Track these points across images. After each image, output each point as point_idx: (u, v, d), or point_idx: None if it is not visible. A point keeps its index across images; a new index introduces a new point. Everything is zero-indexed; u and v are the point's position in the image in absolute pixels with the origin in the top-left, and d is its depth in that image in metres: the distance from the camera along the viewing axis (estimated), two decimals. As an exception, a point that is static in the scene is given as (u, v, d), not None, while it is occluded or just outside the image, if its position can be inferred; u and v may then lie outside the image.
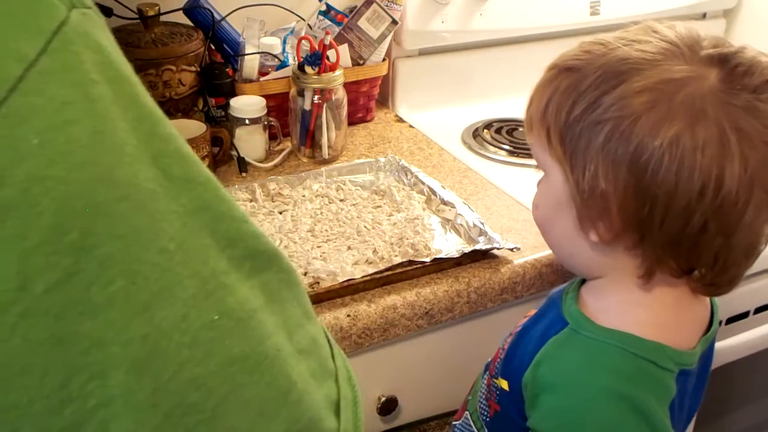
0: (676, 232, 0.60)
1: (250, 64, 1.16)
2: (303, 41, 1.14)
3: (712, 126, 0.58)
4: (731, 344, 1.15)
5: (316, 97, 1.12)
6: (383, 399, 0.91)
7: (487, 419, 0.76)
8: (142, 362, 0.29)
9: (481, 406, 0.77)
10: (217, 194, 0.34)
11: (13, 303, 0.27)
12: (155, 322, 0.30)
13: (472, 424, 0.78)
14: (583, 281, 0.72)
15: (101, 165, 0.29)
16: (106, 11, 1.13)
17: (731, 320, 1.16)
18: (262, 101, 1.14)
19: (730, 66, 0.60)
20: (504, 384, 0.72)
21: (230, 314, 0.33)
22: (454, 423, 0.83)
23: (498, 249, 0.91)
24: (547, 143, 0.65)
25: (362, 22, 1.22)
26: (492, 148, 1.25)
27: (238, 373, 0.33)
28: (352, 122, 1.26)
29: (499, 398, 0.73)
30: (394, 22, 1.23)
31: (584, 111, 0.61)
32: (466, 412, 0.80)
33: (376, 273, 0.86)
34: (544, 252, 0.93)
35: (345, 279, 0.85)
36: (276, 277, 0.36)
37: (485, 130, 1.31)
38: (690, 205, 0.58)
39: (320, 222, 0.98)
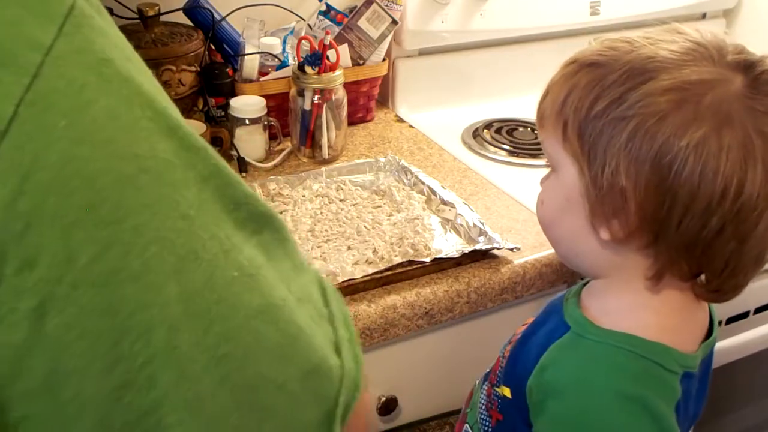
0: (693, 234, 0.60)
1: (250, 64, 1.16)
2: (303, 41, 1.14)
3: (738, 130, 0.58)
4: (731, 344, 1.15)
5: (316, 97, 1.12)
6: (383, 399, 0.91)
7: (489, 429, 0.75)
8: (179, 320, 0.32)
9: (482, 416, 0.76)
10: (220, 161, 0.36)
11: (64, 275, 0.29)
12: (187, 283, 0.32)
13: None
14: (583, 287, 0.72)
15: (121, 140, 0.31)
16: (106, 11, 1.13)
17: (731, 320, 1.16)
18: (262, 101, 1.14)
19: (755, 73, 0.60)
20: (507, 392, 0.71)
21: (245, 270, 0.35)
22: None
23: (498, 249, 0.91)
24: (563, 138, 0.64)
25: (362, 22, 1.22)
26: (492, 148, 1.25)
27: (261, 324, 0.35)
28: (352, 122, 1.26)
29: (501, 407, 0.72)
30: (394, 22, 1.23)
31: (607, 106, 0.61)
32: (466, 425, 0.79)
33: (376, 273, 0.86)
34: (544, 252, 0.93)
35: (345, 279, 0.85)
36: (271, 237, 0.39)
37: (485, 130, 1.31)
38: (710, 207, 0.58)
39: (320, 222, 0.98)
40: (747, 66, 0.61)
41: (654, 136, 0.58)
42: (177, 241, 0.32)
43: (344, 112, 1.17)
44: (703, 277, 0.64)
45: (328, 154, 1.16)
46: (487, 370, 0.78)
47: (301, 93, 1.13)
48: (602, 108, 0.61)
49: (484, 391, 0.76)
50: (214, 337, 0.33)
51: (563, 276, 0.95)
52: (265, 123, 1.15)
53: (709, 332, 0.70)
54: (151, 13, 1.12)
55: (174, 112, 0.35)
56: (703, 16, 1.61)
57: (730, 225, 0.59)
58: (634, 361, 0.63)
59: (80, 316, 0.30)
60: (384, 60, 1.28)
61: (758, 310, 1.19)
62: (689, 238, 0.60)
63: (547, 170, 0.70)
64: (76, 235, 0.29)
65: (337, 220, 0.99)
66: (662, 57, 0.60)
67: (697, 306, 0.68)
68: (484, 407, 0.76)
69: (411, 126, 1.32)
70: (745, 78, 0.60)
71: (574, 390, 0.64)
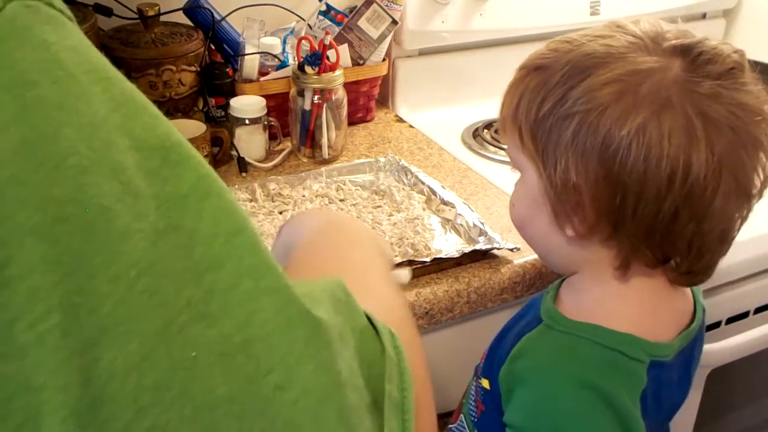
0: (649, 220, 0.61)
1: (250, 64, 1.16)
2: (303, 41, 1.14)
3: (678, 114, 0.59)
4: (731, 344, 1.15)
5: (316, 97, 1.12)
6: (383, 399, 0.91)
7: (475, 419, 0.77)
8: (84, 410, 0.25)
9: (471, 407, 0.78)
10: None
11: None
12: (103, 364, 0.25)
13: (465, 426, 0.79)
14: (563, 281, 0.74)
15: (31, 181, 0.25)
16: (106, 11, 1.13)
17: (731, 320, 1.16)
18: (262, 101, 1.14)
19: (692, 55, 0.61)
20: (486, 383, 0.73)
21: (212, 348, 0.28)
22: (450, 426, 0.83)
23: (498, 249, 0.91)
24: (520, 142, 0.66)
25: (362, 22, 1.22)
26: (492, 148, 1.25)
27: (223, 420, 0.28)
28: (352, 122, 1.26)
29: (483, 398, 0.74)
30: (394, 22, 1.23)
31: (553, 106, 0.62)
32: (461, 415, 0.80)
33: (376, 273, 0.86)
34: (544, 252, 0.93)
35: (345, 279, 0.85)
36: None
37: (485, 130, 1.31)
38: (660, 192, 0.59)
39: (320, 222, 0.98)
40: (684, 49, 0.61)
41: (597, 130, 0.60)
42: (99, 310, 0.25)
43: (344, 112, 1.17)
44: (673, 261, 0.65)
45: (328, 154, 1.16)
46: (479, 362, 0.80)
47: (301, 93, 1.13)
48: (548, 109, 0.62)
49: (473, 383, 0.78)
50: None
51: (563, 276, 0.95)
52: (265, 123, 1.15)
53: (693, 321, 0.71)
54: (151, 13, 1.12)
55: (154, 137, 0.28)
56: (703, 16, 1.61)
57: (684, 208, 0.60)
58: (597, 351, 0.65)
59: None
60: (384, 60, 1.28)
61: (758, 310, 1.19)
62: (646, 224, 0.61)
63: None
64: None
65: (337, 220, 0.99)
66: (600, 52, 0.62)
67: (673, 293, 0.69)
68: (472, 398, 0.78)
69: (411, 126, 1.32)
70: (683, 62, 0.61)
71: (537, 379, 0.66)
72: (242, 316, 0.29)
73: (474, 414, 0.77)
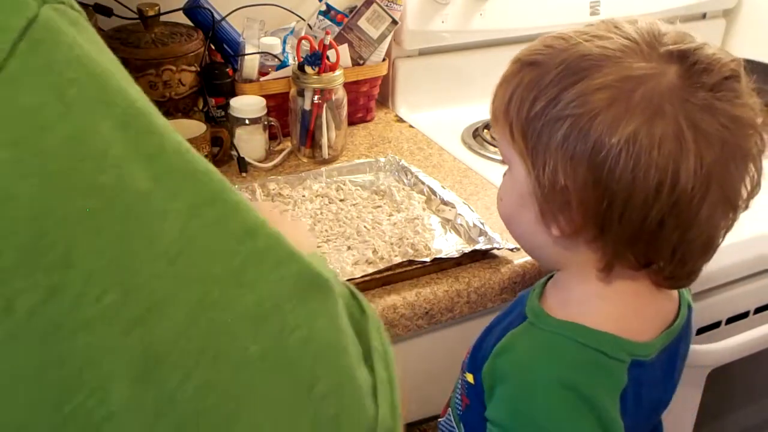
0: (635, 226, 0.61)
1: (250, 64, 1.16)
2: (303, 41, 1.14)
3: (669, 123, 0.59)
4: (731, 344, 1.15)
5: (316, 97, 1.12)
6: (383, 399, 0.91)
7: (461, 413, 0.77)
8: (144, 374, 0.28)
9: (456, 401, 0.78)
10: (224, 186, 0.32)
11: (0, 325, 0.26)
12: (156, 333, 0.28)
13: (452, 419, 0.80)
14: (549, 278, 0.74)
15: (79, 172, 0.27)
16: (106, 11, 1.13)
17: (731, 320, 1.16)
18: (262, 101, 1.14)
19: (689, 63, 0.61)
20: (470, 378, 0.74)
21: (246, 313, 0.31)
22: (439, 420, 0.83)
23: (498, 249, 0.91)
24: (510, 138, 0.66)
25: (362, 22, 1.22)
26: (492, 148, 1.25)
27: (257, 374, 0.31)
28: (352, 122, 1.26)
29: (468, 392, 0.75)
30: (394, 22, 1.23)
31: (545, 107, 0.62)
32: (449, 408, 0.81)
33: (376, 273, 0.86)
34: (544, 252, 0.93)
35: (345, 279, 0.85)
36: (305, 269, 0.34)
37: (485, 130, 1.31)
38: (647, 201, 0.59)
39: (320, 222, 0.98)
40: (681, 56, 0.61)
41: (587, 135, 0.59)
42: (146, 287, 0.28)
43: (344, 112, 1.17)
44: (656, 265, 0.65)
45: (328, 154, 1.16)
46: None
47: (301, 93, 1.13)
48: (540, 108, 0.62)
49: (460, 378, 0.79)
50: (190, 392, 0.29)
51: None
52: (265, 123, 1.15)
53: (677, 318, 0.71)
54: (151, 13, 1.12)
55: (167, 133, 0.31)
56: (703, 16, 1.61)
57: (670, 217, 0.60)
58: (577, 350, 0.65)
59: (12, 372, 0.26)
60: (384, 60, 1.28)
61: (758, 310, 1.19)
62: (632, 230, 0.61)
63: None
64: (15, 282, 0.26)
65: (337, 220, 0.99)
66: (596, 55, 0.61)
67: (657, 294, 0.69)
68: (459, 392, 0.78)
69: (411, 126, 1.32)
70: (679, 69, 0.60)
71: (517, 376, 0.67)
72: (272, 283, 0.32)
73: (459, 407, 0.77)
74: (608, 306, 0.67)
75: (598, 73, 0.60)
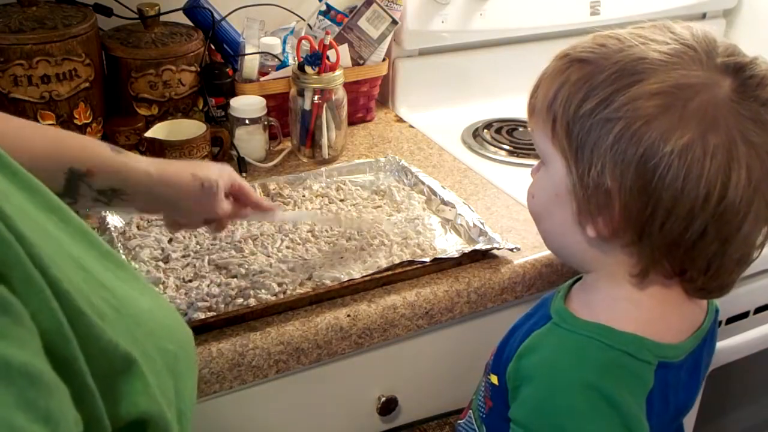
0: (676, 235, 0.60)
1: (250, 64, 1.16)
2: (303, 41, 1.14)
3: (723, 135, 0.58)
4: (731, 344, 1.15)
5: (316, 97, 1.12)
6: (383, 399, 0.91)
7: (484, 415, 0.77)
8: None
9: (480, 403, 0.78)
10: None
11: None
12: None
13: (473, 421, 0.79)
14: (575, 282, 0.73)
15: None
16: (106, 11, 1.13)
17: (731, 320, 1.16)
18: (262, 101, 1.14)
19: (744, 76, 0.60)
20: (494, 379, 0.73)
21: None
22: (458, 422, 0.83)
23: (498, 249, 0.91)
24: (552, 133, 0.64)
25: (362, 22, 1.22)
26: (492, 148, 1.25)
27: None
28: (352, 122, 1.26)
29: (492, 394, 0.75)
30: (394, 22, 1.23)
31: (596, 106, 0.61)
32: (470, 411, 0.81)
33: (376, 273, 0.86)
34: (544, 252, 0.93)
35: (345, 280, 0.85)
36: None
37: (485, 130, 1.31)
38: (693, 210, 0.59)
39: (320, 222, 0.98)
40: (736, 69, 0.61)
41: (639, 140, 0.59)
42: None
43: (344, 112, 1.17)
44: (689, 274, 0.65)
45: (328, 154, 1.16)
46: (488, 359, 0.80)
47: (301, 93, 1.13)
48: (590, 107, 0.61)
49: (483, 380, 0.78)
50: None
51: (563, 276, 0.95)
52: (265, 123, 1.15)
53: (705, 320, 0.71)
54: (151, 13, 1.12)
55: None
56: (703, 16, 1.61)
57: (712, 228, 0.60)
58: (602, 351, 0.64)
59: None
60: (384, 60, 1.28)
61: (758, 310, 1.19)
62: (672, 239, 0.61)
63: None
64: None
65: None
66: (651, 59, 0.60)
67: (686, 301, 0.68)
68: (482, 395, 0.78)
69: (411, 126, 1.32)
70: (733, 81, 0.60)
71: (542, 376, 0.66)
72: None
73: (483, 410, 0.77)
74: (637, 310, 0.66)
75: (654, 78, 0.59)
